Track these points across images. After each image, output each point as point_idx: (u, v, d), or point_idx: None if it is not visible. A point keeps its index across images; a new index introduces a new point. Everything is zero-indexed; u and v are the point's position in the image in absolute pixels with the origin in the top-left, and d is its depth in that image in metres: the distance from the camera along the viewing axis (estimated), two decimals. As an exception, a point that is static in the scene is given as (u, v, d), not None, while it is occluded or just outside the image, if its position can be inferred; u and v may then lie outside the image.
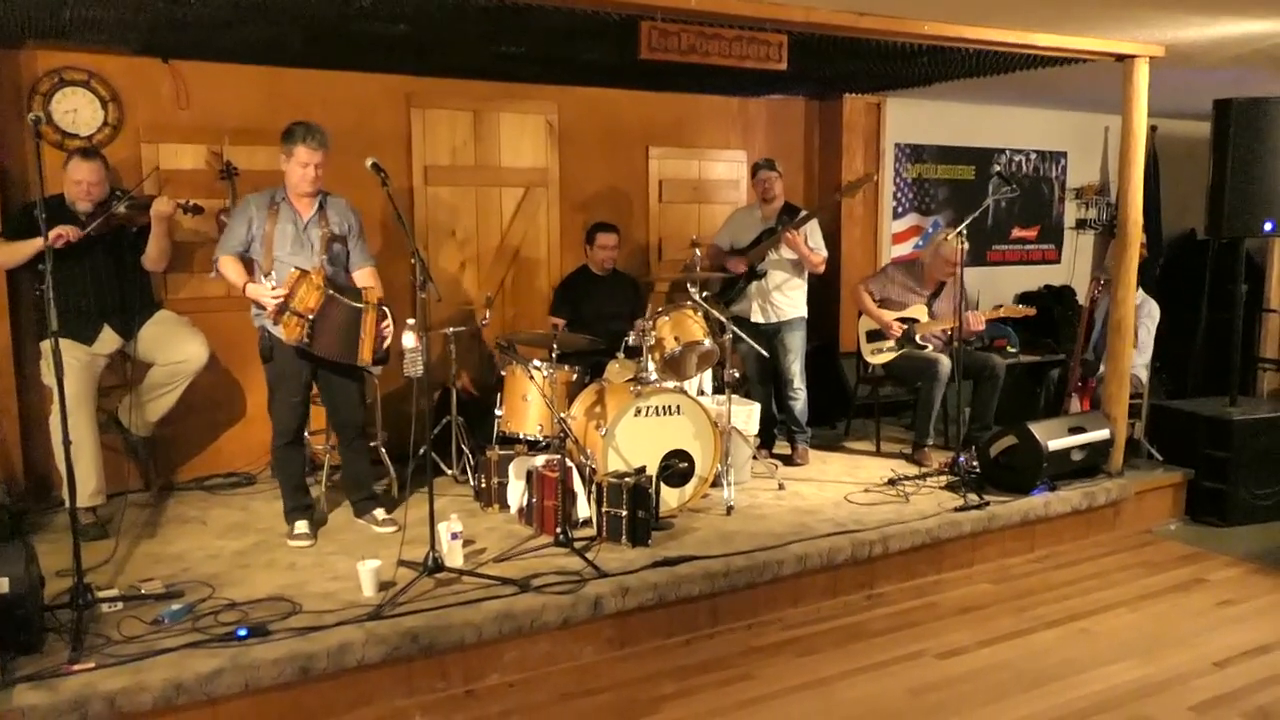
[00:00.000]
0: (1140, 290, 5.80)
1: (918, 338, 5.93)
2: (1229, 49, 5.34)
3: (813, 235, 5.73)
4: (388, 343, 4.33)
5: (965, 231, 5.37)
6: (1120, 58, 5.36)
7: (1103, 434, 5.45)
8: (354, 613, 3.64)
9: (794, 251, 5.63)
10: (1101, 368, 5.94)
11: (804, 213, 5.74)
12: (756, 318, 5.77)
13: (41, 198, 3.52)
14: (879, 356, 6.01)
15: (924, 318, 5.98)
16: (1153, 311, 6.09)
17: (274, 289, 4.16)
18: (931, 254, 6.05)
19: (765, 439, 5.91)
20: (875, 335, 6.03)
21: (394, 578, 3.91)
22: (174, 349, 4.77)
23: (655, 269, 6.79)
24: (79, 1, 4.02)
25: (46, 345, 3.98)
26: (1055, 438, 5.23)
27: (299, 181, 4.30)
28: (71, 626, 3.39)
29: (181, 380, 4.81)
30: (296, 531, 4.48)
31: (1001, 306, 6.16)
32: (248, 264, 4.35)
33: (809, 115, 7.42)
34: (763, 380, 5.93)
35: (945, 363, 5.70)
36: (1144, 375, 6.13)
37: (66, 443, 3.57)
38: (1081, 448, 5.34)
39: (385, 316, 4.32)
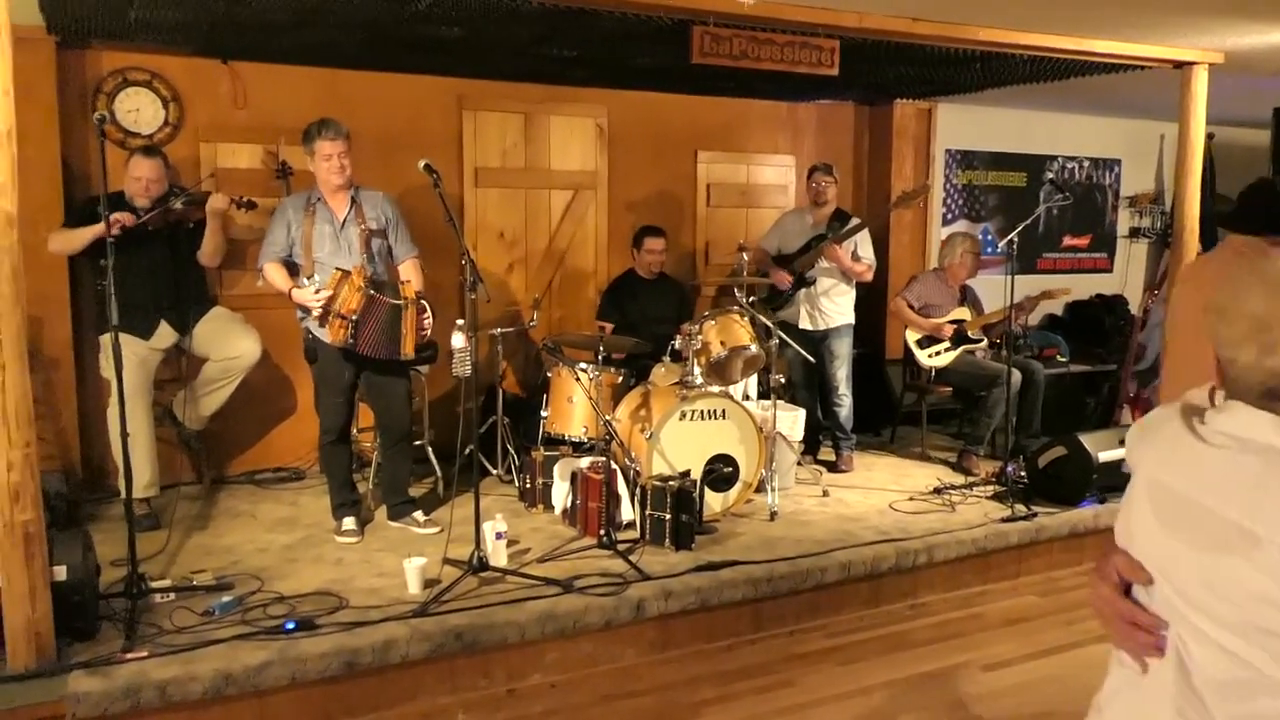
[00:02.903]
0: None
1: (970, 334, 5.91)
2: (1292, 57, 5.24)
3: (862, 244, 5.70)
4: (428, 335, 4.37)
5: (1016, 239, 5.31)
6: (1179, 65, 5.27)
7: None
8: (399, 609, 3.68)
9: (838, 265, 5.61)
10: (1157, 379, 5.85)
11: (854, 221, 5.71)
12: (804, 324, 5.75)
13: (105, 194, 3.60)
14: (938, 359, 5.97)
15: (968, 317, 5.97)
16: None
17: (317, 292, 4.21)
18: (958, 256, 6.05)
19: (810, 445, 5.89)
20: (927, 341, 5.99)
21: (439, 576, 3.95)
22: (228, 345, 4.85)
23: (702, 273, 6.79)
24: (143, 3, 4.11)
25: (106, 339, 4.07)
26: (1106, 449, 5.14)
27: (328, 175, 4.33)
28: (125, 615, 3.48)
29: (235, 376, 4.89)
30: (344, 528, 4.53)
31: (1045, 293, 6.11)
32: (291, 267, 4.40)
33: (859, 120, 7.38)
34: (808, 386, 5.91)
35: (1016, 375, 5.66)
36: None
37: (124, 435, 3.65)
38: (1133, 460, 5.25)
39: (425, 310, 4.36)
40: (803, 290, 5.73)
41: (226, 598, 3.71)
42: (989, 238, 7.66)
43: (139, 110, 5.17)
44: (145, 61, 5.17)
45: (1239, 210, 3.26)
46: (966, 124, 7.51)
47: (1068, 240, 8.27)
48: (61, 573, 3.30)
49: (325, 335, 4.25)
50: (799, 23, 4.39)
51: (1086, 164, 8.25)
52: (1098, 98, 6.82)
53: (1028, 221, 5.56)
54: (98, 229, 3.73)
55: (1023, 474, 5.35)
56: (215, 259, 4.88)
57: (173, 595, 3.76)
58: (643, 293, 5.94)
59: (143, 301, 4.62)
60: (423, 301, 4.36)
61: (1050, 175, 8.01)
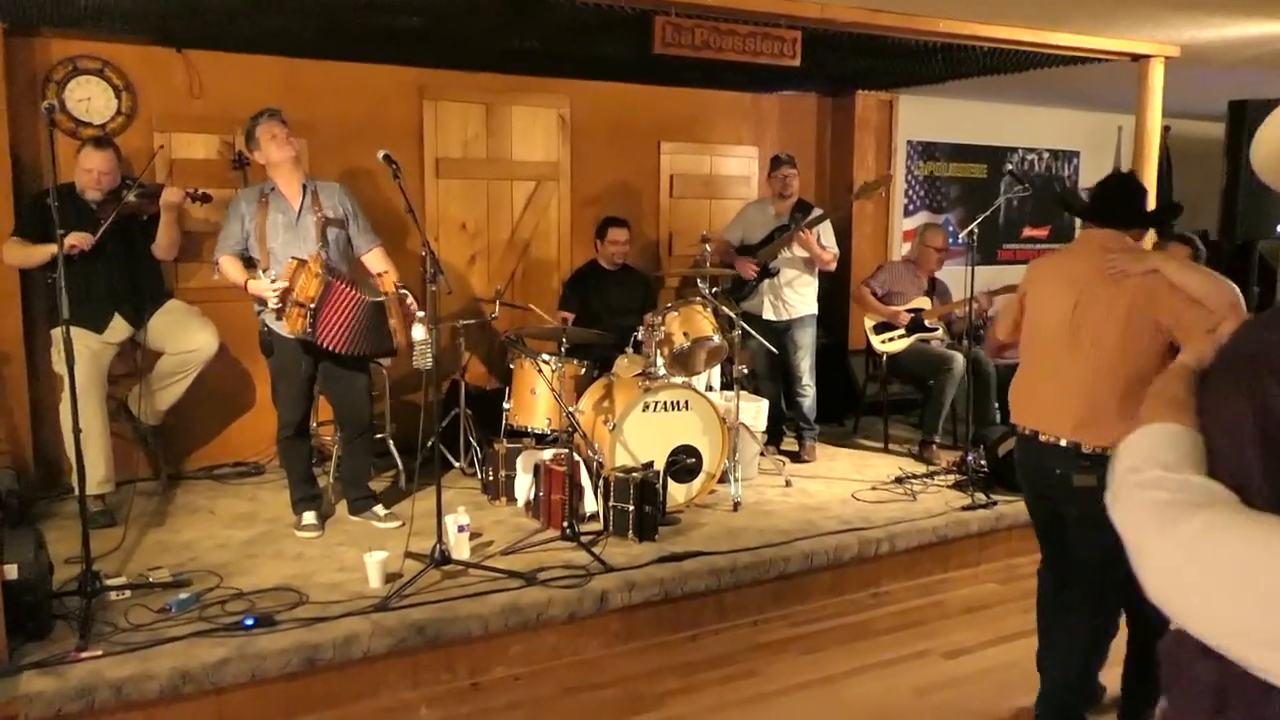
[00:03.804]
0: None
1: (927, 323, 5.96)
2: (1245, 50, 5.31)
3: (825, 234, 5.72)
4: (415, 318, 4.32)
5: (976, 230, 5.35)
6: (1136, 57, 5.33)
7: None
8: (360, 604, 3.65)
9: (807, 250, 5.63)
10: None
11: (817, 212, 5.73)
12: (768, 314, 5.76)
13: (54, 186, 3.52)
14: (889, 345, 6.03)
15: (928, 307, 6.03)
16: None
17: (274, 282, 4.15)
18: (917, 247, 6.14)
19: (773, 435, 5.91)
20: (883, 327, 6.04)
21: (401, 569, 3.91)
22: (184, 338, 4.78)
23: (665, 264, 6.79)
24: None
25: (57, 333, 3.99)
26: (1064, 438, 5.20)
27: (280, 151, 4.25)
28: (79, 614, 3.41)
29: (191, 370, 4.82)
30: (304, 522, 4.49)
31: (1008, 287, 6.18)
32: (248, 262, 4.34)
33: (821, 112, 7.40)
34: (772, 377, 5.92)
35: (960, 360, 5.73)
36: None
37: (76, 430, 3.58)
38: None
39: (407, 296, 4.33)
40: (766, 281, 5.75)
41: (184, 594, 3.66)
42: (950, 228, 7.71)
43: (90, 99, 5.07)
44: (97, 50, 5.07)
45: (1098, 204, 3.13)
46: (928, 115, 7.56)
47: (1028, 231, 8.36)
48: (12, 571, 3.23)
49: (283, 327, 4.19)
50: (761, 13, 4.39)
51: (1046, 156, 8.33)
52: (1056, 90, 6.88)
53: (987, 213, 5.62)
54: (54, 249, 3.64)
55: (983, 463, 5.39)
56: (170, 252, 4.80)
57: (128, 593, 3.69)
58: (605, 283, 5.93)
59: (96, 295, 4.53)
60: (403, 290, 4.32)
61: (1010, 167, 8.08)
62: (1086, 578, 3.05)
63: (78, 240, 4.31)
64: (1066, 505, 3.06)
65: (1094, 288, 2.95)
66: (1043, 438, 3.05)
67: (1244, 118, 5.61)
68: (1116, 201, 3.09)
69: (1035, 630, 4.14)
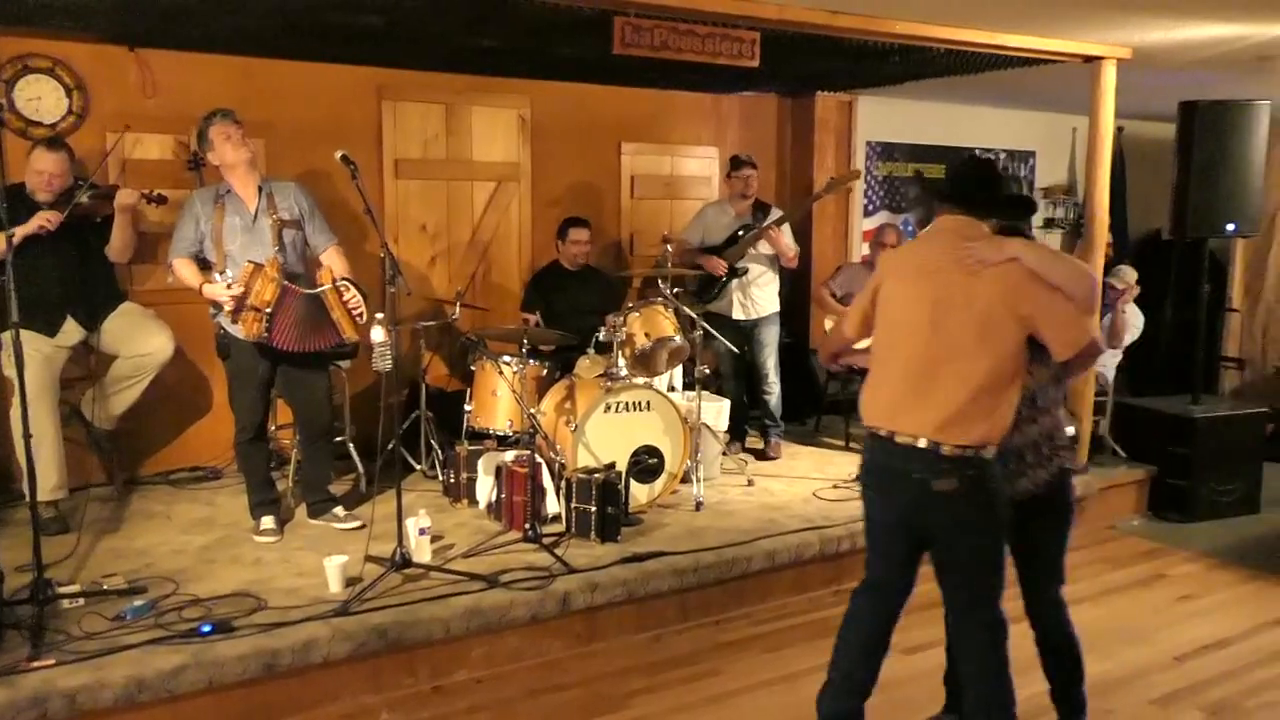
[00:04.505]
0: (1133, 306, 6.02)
1: None
2: (1195, 52, 5.40)
3: (785, 233, 5.77)
4: (363, 312, 4.28)
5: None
6: (1088, 59, 5.41)
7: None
8: (320, 609, 3.61)
9: (774, 248, 5.67)
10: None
11: (778, 212, 5.77)
12: (736, 314, 5.79)
13: (2, 186, 3.46)
14: None
15: None
16: (1137, 321, 6.23)
17: (229, 286, 4.10)
18: (874, 247, 6.21)
19: (736, 435, 5.94)
20: None
21: (361, 573, 3.88)
22: (139, 341, 4.70)
23: (629, 264, 6.79)
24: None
25: (7, 336, 3.90)
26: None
27: (235, 153, 4.21)
28: (31, 623, 3.35)
29: (146, 373, 4.75)
30: (262, 527, 4.44)
31: None
32: (202, 263, 4.28)
33: (781, 112, 7.44)
34: (736, 375, 5.95)
35: None
36: (1110, 374, 6.23)
37: (27, 436, 3.52)
38: (1047, 445, 5.38)
39: (348, 289, 4.28)
40: (735, 280, 5.77)
41: (139, 601, 3.60)
42: (909, 229, 7.78)
43: (40, 98, 4.98)
44: (47, 48, 4.98)
45: (954, 186, 2.95)
46: (887, 116, 7.61)
47: (985, 230, 8.43)
48: (-38, 580, 3.18)
49: (239, 330, 4.15)
50: (719, 14, 4.40)
51: (1002, 156, 8.42)
52: (1012, 91, 6.96)
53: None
54: (21, 229, 3.59)
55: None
56: (125, 254, 4.73)
57: (82, 601, 3.63)
58: (568, 284, 5.92)
59: (48, 297, 4.45)
60: (343, 282, 4.28)
61: (967, 167, 8.14)
62: (965, 584, 2.93)
63: (48, 221, 4.23)
64: (924, 513, 2.84)
65: (951, 278, 2.76)
66: (899, 439, 2.81)
67: (1194, 118, 5.72)
68: (974, 184, 2.91)
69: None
